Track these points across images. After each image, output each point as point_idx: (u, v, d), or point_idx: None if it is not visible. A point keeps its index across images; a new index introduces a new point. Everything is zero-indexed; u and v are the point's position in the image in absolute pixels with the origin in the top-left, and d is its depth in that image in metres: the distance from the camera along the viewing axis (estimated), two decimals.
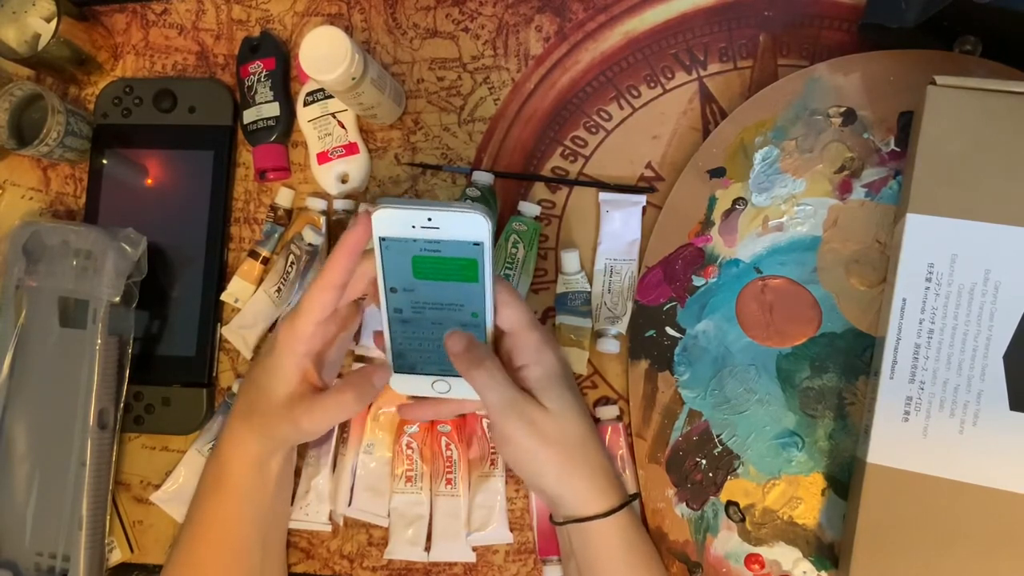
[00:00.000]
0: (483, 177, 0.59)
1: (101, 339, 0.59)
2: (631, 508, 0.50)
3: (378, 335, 0.49)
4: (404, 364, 0.48)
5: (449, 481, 0.57)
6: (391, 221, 0.43)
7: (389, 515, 0.58)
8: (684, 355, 0.56)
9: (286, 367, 0.48)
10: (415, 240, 0.43)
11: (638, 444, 0.56)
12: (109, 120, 0.66)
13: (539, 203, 0.60)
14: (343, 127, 0.62)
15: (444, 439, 0.58)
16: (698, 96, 0.60)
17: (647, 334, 0.57)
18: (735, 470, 0.54)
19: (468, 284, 0.45)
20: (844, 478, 0.53)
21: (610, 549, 0.48)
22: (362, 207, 0.61)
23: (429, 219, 0.42)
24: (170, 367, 0.63)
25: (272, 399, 0.49)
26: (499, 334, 0.48)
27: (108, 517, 0.61)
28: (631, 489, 0.56)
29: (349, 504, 0.59)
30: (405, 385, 0.49)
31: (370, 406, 0.59)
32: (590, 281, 0.58)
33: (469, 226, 0.42)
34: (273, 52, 0.64)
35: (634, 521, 0.50)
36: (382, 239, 0.43)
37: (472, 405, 0.52)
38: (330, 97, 0.62)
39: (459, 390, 0.49)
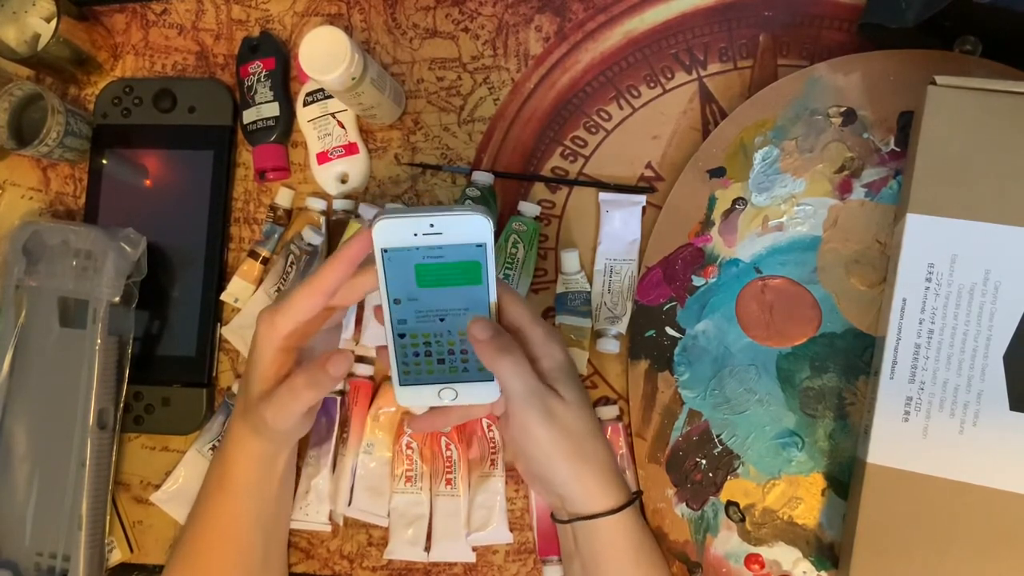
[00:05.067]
0: (483, 177, 0.59)
1: (101, 339, 0.59)
2: (635, 506, 0.50)
3: (382, 349, 0.48)
4: (410, 375, 0.48)
5: (449, 481, 0.57)
6: (392, 232, 0.43)
7: (389, 515, 0.58)
8: (684, 355, 0.56)
9: (264, 362, 0.48)
10: (417, 248, 0.43)
11: (638, 444, 0.56)
12: (109, 120, 0.65)
13: (539, 203, 0.60)
14: (343, 127, 0.62)
15: (444, 439, 0.58)
16: (698, 96, 0.60)
17: (647, 334, 0.57)
18: (735, 470, 0.54)
19: (472, 287, 0.45)
20: (844, 478, 0.53)
21: (616, 547, 0.48)
22: (362, 208, 0.61)
23: (431, 225, 0.42)
24: (170, 367, 0.63)
25: (254, 394, 0.49)
26: None
27: (108, 517, 0.61)
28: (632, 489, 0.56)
29: (349, 504, 0.59)
30: (411, 397, 0.48)
31: (370, 406, 0.59)
32: (590, 281, 0.58)
33: (471, 228, 0.42)
34: (273, 52, 0.64)
35: (639, 519, 0.50)
36: (384, 251, 0.43)
37: (479, 411, 0.52)
38: (330, 97, 0.62)
39: (466, 396, 0.48)
